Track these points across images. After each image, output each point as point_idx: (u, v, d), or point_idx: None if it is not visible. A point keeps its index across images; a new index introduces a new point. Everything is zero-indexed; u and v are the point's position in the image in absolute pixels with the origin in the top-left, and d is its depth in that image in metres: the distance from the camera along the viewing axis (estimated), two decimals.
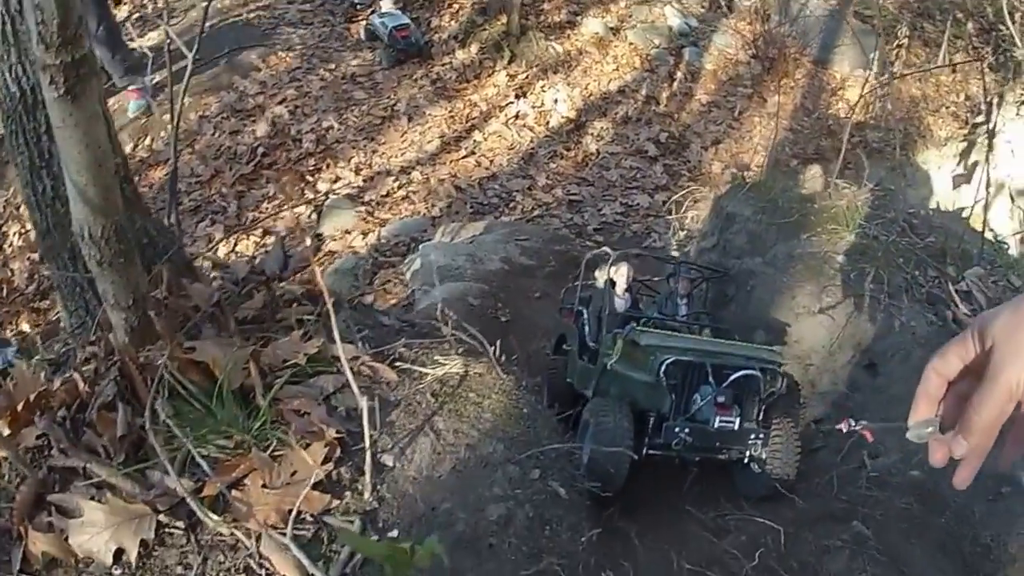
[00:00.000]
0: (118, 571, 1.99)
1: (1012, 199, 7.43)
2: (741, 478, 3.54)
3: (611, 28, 10.11)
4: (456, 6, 10.14)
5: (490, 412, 2.46)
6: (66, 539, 2.00)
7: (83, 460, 2.10)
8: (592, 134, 8.93)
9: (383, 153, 8.31)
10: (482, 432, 2.37)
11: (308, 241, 7.07)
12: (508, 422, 2.45)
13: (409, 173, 8.12)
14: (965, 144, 8.53)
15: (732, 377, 3.45)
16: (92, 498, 2.06)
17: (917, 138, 9.21)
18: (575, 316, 4.37)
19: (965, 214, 6.27)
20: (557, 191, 8.16)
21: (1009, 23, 7.97)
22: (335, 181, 7.92)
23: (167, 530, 2.04)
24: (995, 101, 8.00)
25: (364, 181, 7.97)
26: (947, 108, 9.50)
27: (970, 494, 3.40)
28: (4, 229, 7.11)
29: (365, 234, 7.36)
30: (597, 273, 4.42)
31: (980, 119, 8.12)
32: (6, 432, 2.19)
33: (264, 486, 2.10)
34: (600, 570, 2.34)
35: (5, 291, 6.23)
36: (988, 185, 7.07)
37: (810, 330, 4.23)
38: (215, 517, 2.03)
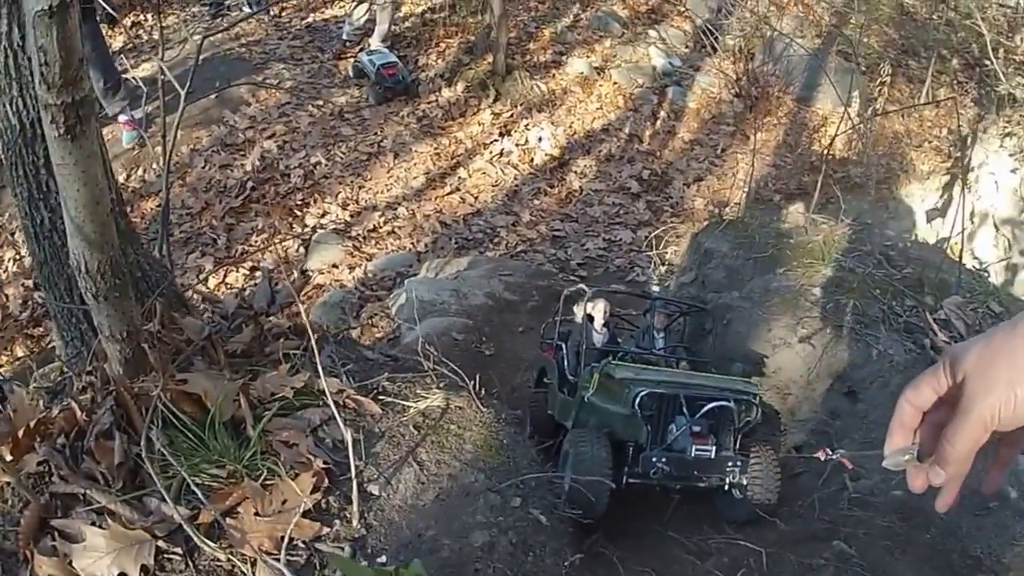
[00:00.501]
0: None
1: (996, 228, 7.55)
2: (723, 504, 3.62)
3: (596, 68, 10.28)
4: (443, 45, 10.30)
5: (471, 443, 2.56)
6: (70, 563, 2.05)
7: (83, 487, 2.17)
8: (576, 171, 9.06)
9: (369, 189, 8.42)
10: (463, 462, 2.47)
11: (295, 275, 7.15)
12: (488, 453, 2.55)
13: (395, 209, 8.22)
14: (948, 177, 8.71)
15: (705, 408, 3.54)
16: (93, 524, 2.12)
17: (900, 173, 9.32)
18: (554, 351, 4.47)
19: (944, 245, 6.44)
20: (541, 227, 8.28)
21: (992, 59, 8.21)
22: (323, 216, 8.01)
23: (166, 556, 2.10)
24: (972, 135, 8.21)
25: (351, 216, 8.06)
26: (930, 143, 9.62)
27: (957, 510, 3.41)
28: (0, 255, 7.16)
29: (352, 268, 7.45)
30: (575, 309, 4.54)
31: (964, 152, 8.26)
32: (8, 459, 2.27)
33: (257, 514, 2.18)
34: None
35: (0, 317, 6.26)
36: (971, 216, 7.28)
37: (788, 361, 4.34)
38: (211, 544, 2.10)
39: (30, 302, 6.77)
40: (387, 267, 7.37)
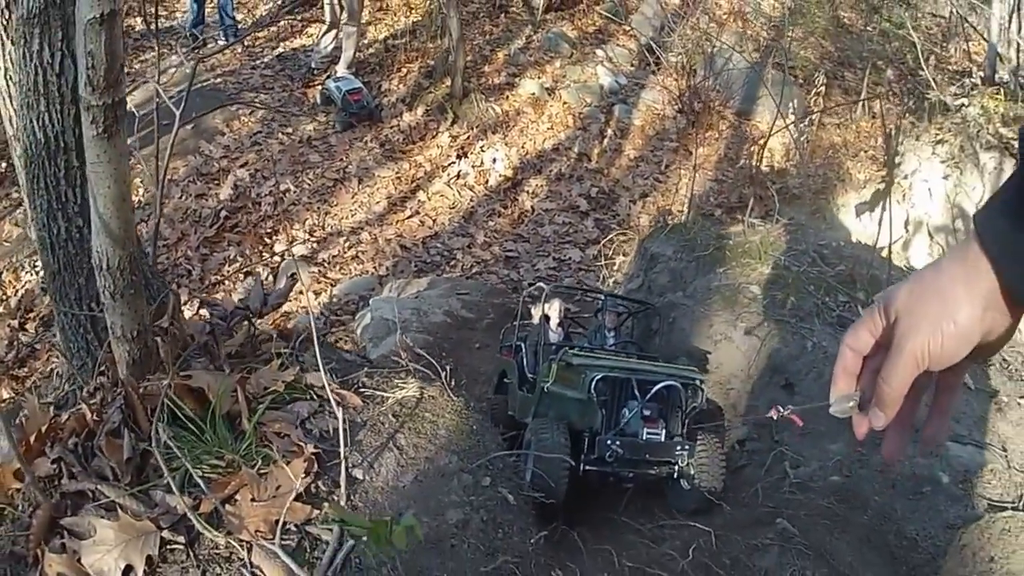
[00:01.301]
0: None
1: (931, 236, 7.78)
2: (673, 494, 3.89)
3: (546, 88, 10.62)
4: (405, 70, 10.64)
5: (444, 428, 2.83)
6: (79, 560, 2.18)
7: (93, 483, 2.37)
8: (528, 191, 9.36)
9: (335, 215, 8.69)
10: (438, 446, 2.74)
11: (285, 280, 7.34)
12: (460, 436, 2.82)
13: (359, 234, 8.48)
14: (883, 185, 9.00)
15: (655, 388, 3.83)
16: (101, 518, 2.27)
17: (836, 182, 9.54)
18: (514, 352, 4.73)
19: (878, 250, 6.73)
20: (495, 248, 8.56)
21: (924, 67, 8.58)
22: (291, 242, 8.25)
23: (169, 547, 2.26)
24: (895, 135, 8.51)
25: (317, 242, 8.31)
26: (865, 152, 9.87)
27: (891, 494, 3.77)
28: None
29: (317, 294, 7.68)
30: (533, 310, 4.82)
31: (897, 160, 8.42)
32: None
33: (253, 500, 2.40)
34: (549, 569, 2.68)
35: None
36: (906, 224, 7.51)
37: (728, 356, 4.65)
38: (212, 530, 2.29)
39: (15, 343, 6.88)
40: (351, 291, 7.61)
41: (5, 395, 6.26)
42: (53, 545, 2.26)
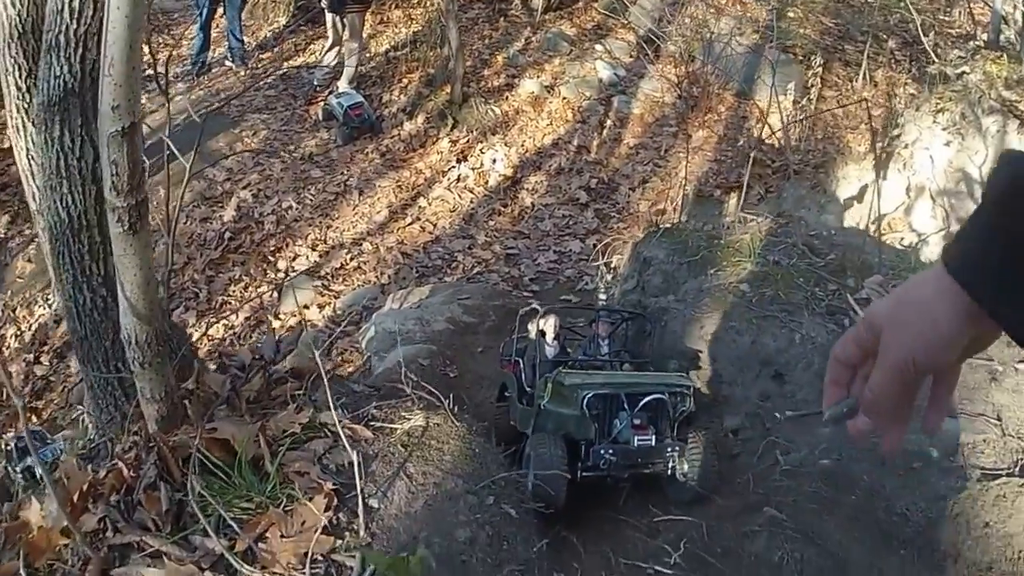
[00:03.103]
0: None
1: (933, 199, 7.87)
2: (670, 488, 4.13)
3: (546, 86, 10.70)
4: (406, 81, 10.78)
5: (449, 454, 3.10)
6: None
7: (137, 534, 2.64)
8: (527, 188, 9.51)
9: (337, 228, 8.89)
10: (444, 471, 3.01)
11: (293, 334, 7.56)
12: (464, 461, 3.10)
13: (360, 244, 8.68)
14: (884, 156, 9.12)
15: (643, 402, 4.10)
16: (149, 566, 2.56)
17: (836, 155, 9.55)
18: (513, 365, 4.96)
19: (876, 224, 6.84)
20: (496, 247, 8.71)
21: (924, 39, 8.59)
22: (294, 259, 8.46)
23: None
24: (891, 107, 8.54)
25: (320, 256, 8.52)
26: (865, 124, 9.64)
27: (879, 473, 3.86)
28: (2, 332, 7.54)
29: (322, 307, 7.88)
30: (530, 326, 5.07)
31: (897, 131, 8.59)
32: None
33: (282, 536, 2.68)
34: (552, 572, 2.95)
35: (5, 394, 6.65)
36: (908, 190, 7.55)
37: (719, 352, 4.85)
38: (248, 567, 2.58)
39: (31, 377, 7.14)
40: (354, 302, 7.80)
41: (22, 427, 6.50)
42: None
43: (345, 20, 10.11)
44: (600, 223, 8.99)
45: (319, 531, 2.67)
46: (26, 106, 3.14)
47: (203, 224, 8.71)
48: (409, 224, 9.00)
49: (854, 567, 3.46)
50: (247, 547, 2.64)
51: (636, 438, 4.02)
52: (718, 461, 4.08)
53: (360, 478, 2.86)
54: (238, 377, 3.29)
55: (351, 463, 2.88)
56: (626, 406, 4.14)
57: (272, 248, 8.57)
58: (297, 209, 8.99)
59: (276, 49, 11.76)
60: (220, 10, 10.99)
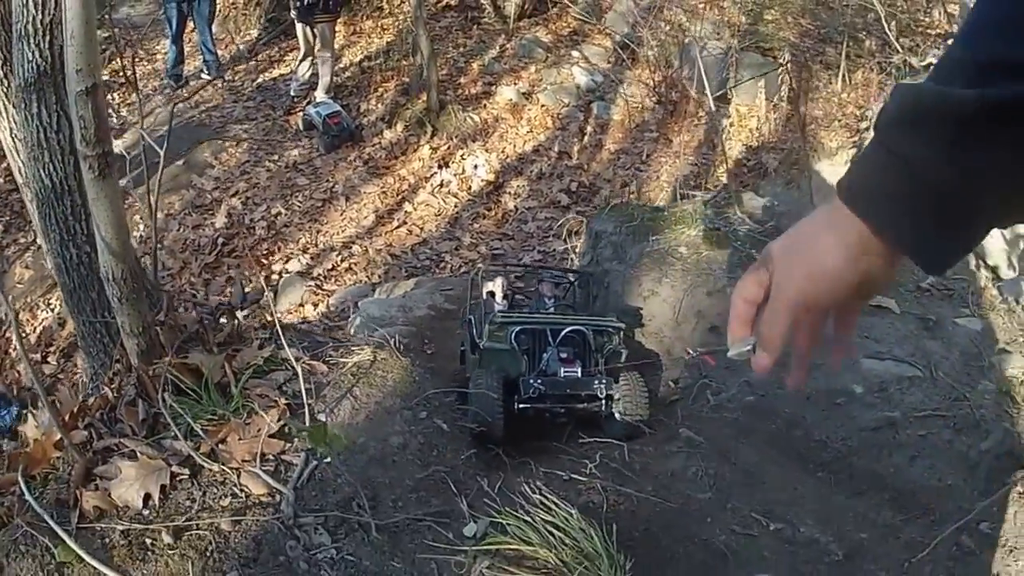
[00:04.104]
0: (147, 511, 2.89)
1: None
2: (606, 425, 4.49)
3: (523, 94, 11.02)
4: (381, 90, 11.21)
5: (392, 380, 3.57)
6: (109, 494, 2.89)
7: (117, 439, 3.15)
8: (510, 192, 9.87)
9: (326, 232, 9.34)
10: (385, 392, 3.48)
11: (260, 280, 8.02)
12: (404, 384, 3.56)
13: (350, 247, 9.10)
14: (854, 151, 9.31)
15: (563, 332, 4.53)
16: (125, 463, 3.07)
17: (810, 152, 9.48)
18: (468, 325, 5.38)
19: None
20: (481, 248, 9.09)
21: (889, 34, 8.83)
22: (287, 261, 8.90)
23: (177, 478, 2.96)
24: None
25: (312, 259, 8.95)
26: (839, 121, 9.92)
27: (802, 406, 4.11)
28: (7, 335, 7.93)
29: (315, 305, 8.28)
30: (484, 289, 5.55)
31: (865, 125, 8.76)
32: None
33: (240, 439, 3.16)
34: (475, 475, 3.39)
35: (16, 391, 7.07)
36: None
37: (658, 308, 5.23)
38: (209, 462, 3.05)
39: (39, 375, 7.53)
40: (346, 299, 8.18)
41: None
42: (89, 487, 2.93)
43: (316, 30, 10.52)
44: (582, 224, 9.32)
45: (269, 433, 3.13)
46: (5, 90, 3.66)
47: (196, 231, 9.17)
48: (396, 227, 9.43)
49: (769, 485, 3.66)
50: (210, 449, 3.10)
51: (562, 369, 4.45)
52: (650, 396, 4.43)
53: (311, 398, 3.33)
54: (207, 319, 3.77)
55: (308, 390, 3.35)
56: (551, 340, 4.56)
57: (265, 251, 9.03)
58: (286, 215, 9.46)
59: (252, 61, 12.24)
60: (191, 24, 11.39)
